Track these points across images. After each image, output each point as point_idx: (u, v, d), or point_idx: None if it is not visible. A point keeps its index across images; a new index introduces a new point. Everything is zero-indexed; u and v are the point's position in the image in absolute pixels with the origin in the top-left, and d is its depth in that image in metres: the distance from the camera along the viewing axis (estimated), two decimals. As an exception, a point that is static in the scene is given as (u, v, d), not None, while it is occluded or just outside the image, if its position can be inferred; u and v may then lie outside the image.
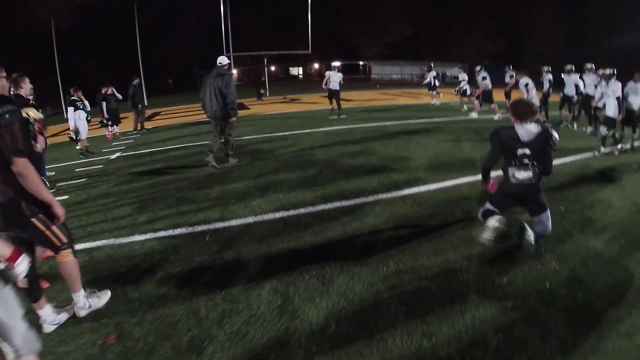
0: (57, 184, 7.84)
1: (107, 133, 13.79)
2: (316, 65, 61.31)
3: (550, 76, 12.78)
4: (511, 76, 15.45)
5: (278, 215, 5.24)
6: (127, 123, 15.82)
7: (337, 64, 16.93)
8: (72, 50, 42.35)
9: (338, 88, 14.90)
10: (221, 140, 8.33)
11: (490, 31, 49.95)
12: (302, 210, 5.34)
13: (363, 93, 28.11)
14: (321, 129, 12.12)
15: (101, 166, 9.36)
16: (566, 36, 48.18)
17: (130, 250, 4.53)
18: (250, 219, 5.16)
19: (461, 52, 50.59)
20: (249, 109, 20.48)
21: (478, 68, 14.99)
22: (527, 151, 3.79)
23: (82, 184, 7.81)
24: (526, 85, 11.57)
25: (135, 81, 15.32)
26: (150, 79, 46.58)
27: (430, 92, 20.06)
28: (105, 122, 13.66)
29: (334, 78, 14.86)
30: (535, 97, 11.41)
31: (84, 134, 10.90)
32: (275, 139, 10.94)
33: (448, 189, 6.11)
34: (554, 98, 13.05)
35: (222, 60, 8.19)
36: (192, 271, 3.97)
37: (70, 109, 10.72)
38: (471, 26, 49.34)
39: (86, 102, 11.50)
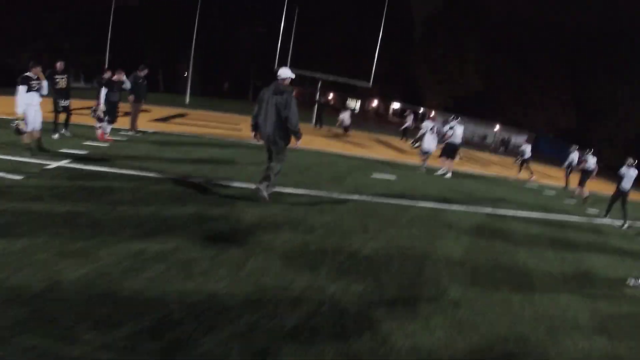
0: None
1: (97, 127, 10.33)
2: (375, 102, 57.93)
3: (633, 171, 10.69)
4: (583, 160, 13.89)
5: None
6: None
7: (351, 105, 15.65)
8: (131, 30, 40.78)
9: (349, 124, 22.01)
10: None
11: (564, 103, 45.17)
12: None
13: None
14: (354, 197, 8.08)
15: (20, 178, 6.00)
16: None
17: None
18: None
19: (529, 119, 46.00)
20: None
21: (451, 118, 13.46)
22: None
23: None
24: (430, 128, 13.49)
25: (143, 72, 11.91)
26: (203, 79, 44.65)
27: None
28: (102, 115, 10.27)
29: (346, 116, 21.78)
30: (431, 143, 13.29)
31: (33, 124, 7.58)
32: (284, 198, 7.13)
33: None
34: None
35: (283, 73, 6.61)
36: None
37: (22, 89, 7.34)
38: (545, 94, 44.74)
39: (44, 83, 8.20)
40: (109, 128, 10.46)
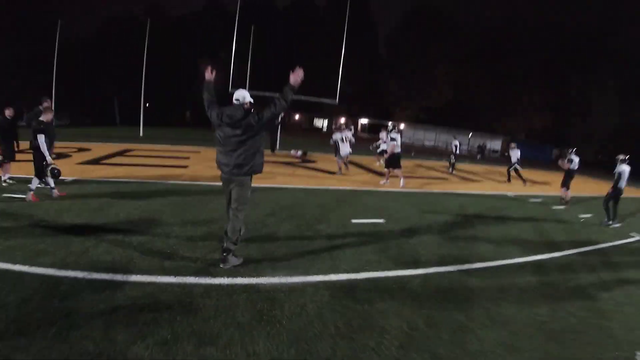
0: None
1: (51, 187, 7.64)
2: (342, 120, 55.50)
3: (625, 168, 9.81)
4: (568, 160, 12.32)
5: None
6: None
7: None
8: (83, 64, 37.60)
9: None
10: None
11: (538, 104, 43.68)
12: None
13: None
14: (331, 278, 5.02)
15: None
16: (620, 120, 41.67)
17: None
18: None
19: (505, 123, 44.32)
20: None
21: (390, 127, 13.90)
22: None
23: None
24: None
25: (45, 104, 8.89)
26: (163, 109, 41.49)
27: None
28: (57, 171, 7.81)
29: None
30: (346, 148, 14.38)
31: None
32: (208, 299, 4.11)
33: None
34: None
35: (240, 96, 4.93)
36: None
37: None
38: (518, 98, 43.17)
39: None
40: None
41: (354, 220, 7.72)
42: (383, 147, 16.55)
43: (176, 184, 10.03)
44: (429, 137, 43.66)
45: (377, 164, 17.95)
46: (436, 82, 43.10)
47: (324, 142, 30.03)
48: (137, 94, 28.19)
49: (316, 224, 7.30)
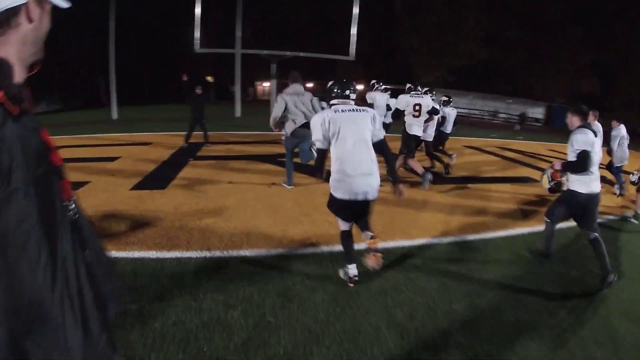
0: None
1: None
2: (360, 87, 48.29)
3: None
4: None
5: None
6: None
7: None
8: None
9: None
10: None
11: (582, 66, 35.91)
12: None
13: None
14: None
15: None
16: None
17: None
18: None
19: (546, 87, 36.78)
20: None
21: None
22: None
23: None
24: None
25: None
26: (159, 83, 35.63)
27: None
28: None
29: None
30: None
31: None
32: None
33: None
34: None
35: None
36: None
37: None
38: (560, 59, 35.41)
39: None
40: None
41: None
42: None
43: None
44: (462, 104, 35.72)
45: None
46: (465, 37, 35.02)
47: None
48: (124, 70, 22.10)
49: None
